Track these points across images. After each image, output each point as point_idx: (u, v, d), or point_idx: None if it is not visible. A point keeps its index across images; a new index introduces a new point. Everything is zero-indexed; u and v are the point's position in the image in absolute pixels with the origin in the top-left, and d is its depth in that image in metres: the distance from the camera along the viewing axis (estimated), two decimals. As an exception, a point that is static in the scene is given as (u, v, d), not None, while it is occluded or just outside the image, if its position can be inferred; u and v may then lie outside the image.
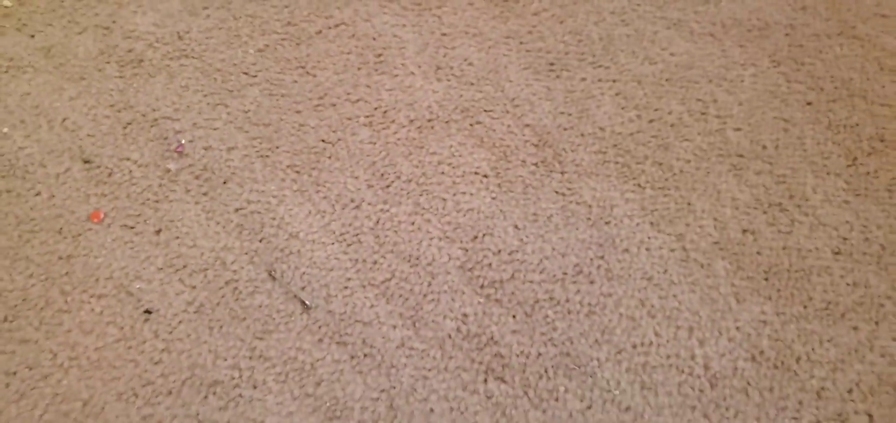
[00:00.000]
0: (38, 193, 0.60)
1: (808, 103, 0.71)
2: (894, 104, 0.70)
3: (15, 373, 0.53)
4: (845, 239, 0.62)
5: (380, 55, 0.70)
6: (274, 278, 0.57)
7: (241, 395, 0.53)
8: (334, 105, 0.67)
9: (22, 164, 0.60)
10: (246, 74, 0.67)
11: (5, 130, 0.62)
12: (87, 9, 0.69)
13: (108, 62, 0.66)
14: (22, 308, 0.55)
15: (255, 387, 0.53)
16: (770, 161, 0.68)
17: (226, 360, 0.54)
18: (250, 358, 0.54)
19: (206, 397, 0.53)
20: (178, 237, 0.59)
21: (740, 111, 0.70)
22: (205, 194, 0.61)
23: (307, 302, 0.56)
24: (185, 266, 0.58)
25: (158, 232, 0.58)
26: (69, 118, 0.63)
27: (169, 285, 0.57)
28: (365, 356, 0.55)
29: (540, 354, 0.56)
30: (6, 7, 0.68)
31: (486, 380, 0.55)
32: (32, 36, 0.67)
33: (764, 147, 0.68)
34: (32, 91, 0.64)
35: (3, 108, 0.63)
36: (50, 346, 0.54)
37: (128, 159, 0.62)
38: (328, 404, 0.53)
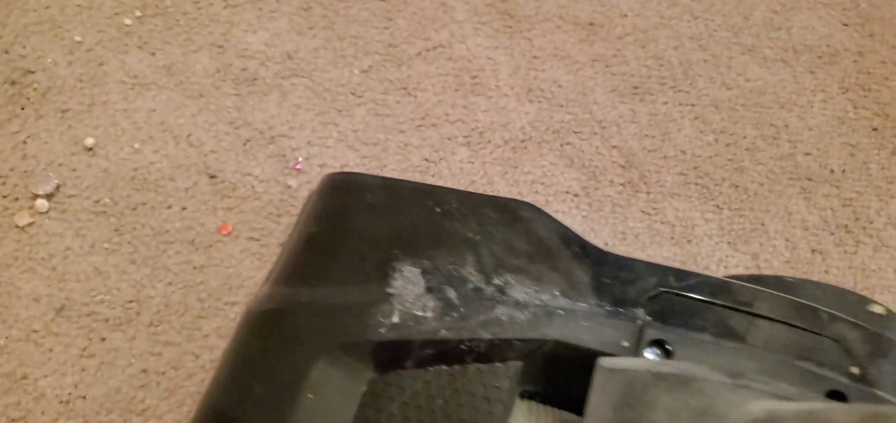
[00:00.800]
0: (169, 206, 0.65)
1: (874, 129, 0.76)
2: (954, 132, 0.75)
3: (163, 373, 0.59)
4: (911, 265, 0.68)
5: (475, 77, 0.74)
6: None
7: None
8: (434, 125, 0.71)
9: (154, 178, 0.66)
10: (353, 94, 0.72)
11: (136, 145, 0.67)
12: (202, 27, 0.73)
13: (224, 80, 0.71)
14: (165, 313, 0.61)
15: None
16: (837, 184, 0.73)
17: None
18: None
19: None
20: (300, 250, 0.64)
21: (810, 136, 0.75)
22: (321, 209, 0.66)
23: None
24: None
25: (282, 245, 0.64)
26: (193, 134, 0.68)
27: (297, 295, 0.62)
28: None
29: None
30: (127, 25, 0.72)
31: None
32: (153, 54, 0.72)
33: (831, 171, 0.73)
34: (158, 108, 0.69)
35: (133, 124, 0.68)
36: (192, 349, 0.60)
37: (250, 175, 0.67)
38: None
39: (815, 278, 0.67)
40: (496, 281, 0.44)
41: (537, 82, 0.75)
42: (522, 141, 0.72)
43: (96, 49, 0.71)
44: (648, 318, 0.42)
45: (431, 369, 0.40)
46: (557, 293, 0.43)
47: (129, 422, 0.57)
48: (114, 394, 0.58)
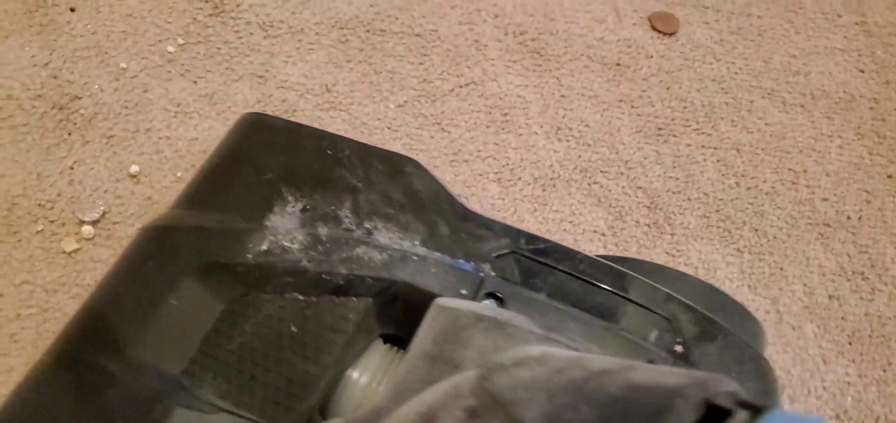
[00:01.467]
0: (212, 235, 0.67)
1: (889, 176, 0.79)
2: (965, 181, 0.77)
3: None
4: (923, 313, 0.70)
5: (506, 114, 0.77)
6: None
7: None
8: (467, 161, 0.74)
9: (197, 206, 0.68)
10: (389, 128, 0.74)
11: (179, 173, 0.69)
12: (242, 57, 0.75)
13: (264, 110, 0.73)
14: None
15: None
16: (853, 231, 0.75)
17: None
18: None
19: None
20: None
21: (827, 182, 0.78)
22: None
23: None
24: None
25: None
26: (234, 164, 0.70)
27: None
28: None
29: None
30: (170, 53, 0.74)
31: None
32: (195, 82, 0.73)
33: (848, 217, 0.76)
34: (199, 136, 0.71)
35: (175, 151, 0.70)
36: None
37: (289, 206, 0.69)
38: None
39: (833, 323, 0.70)
40: (366, 225, 0.48)
41: (565, 121, 0.78)
42: (551, 179, 0.74)
43: (140, 76, 0.73)
44: (492, 273, 0.46)
45: (289, 295, 0.44)
46: (417, 242, 0.47)
47: None
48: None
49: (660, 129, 0.78)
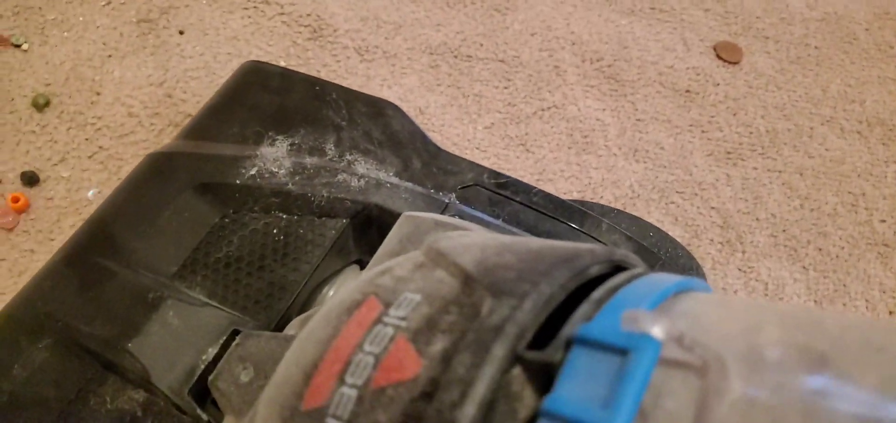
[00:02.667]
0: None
1: (941, 201, 0.84)
2: None
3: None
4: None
5: (586, 137, 0.82)
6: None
7: None
8: (551, 180, 0.79)
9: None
10: (478, 148, 0.79)
11: (288, 188, 0.74)
12: (340, 80, 0.80)
13: (363, 130, 0.78)
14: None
15: None
16: (909, 251, 0.81)
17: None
18: None
19: None
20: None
21: (885, 204, 0.83)
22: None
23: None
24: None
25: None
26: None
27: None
28: None
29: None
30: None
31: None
32: (298, 102, 0.78)
33: (904, 238, 0.81)
34: (305, 154, 0.76)
35: (283, 168, 0.75)
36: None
37: (390, 221, 0.74)
38: None
39: None
40: (347, 157, 0.53)
41: (642, 144, 0.83)
42: (631, 198, 0.79)
43: (247, 96, 0.78)
44: (456, 201, 0.52)
45: (273, 213, 0.49)
46: (392, 173, 0.53)
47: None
48: None
49: (728, 153, 0.84)
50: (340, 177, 0.52)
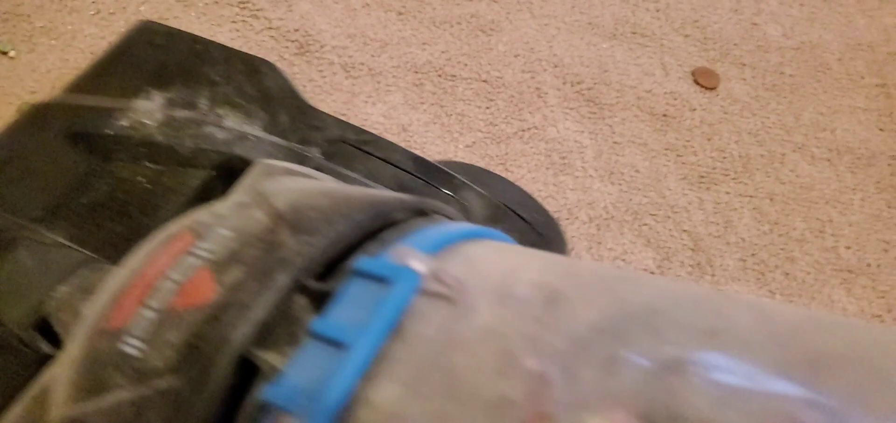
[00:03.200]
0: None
1: (905, 229, 0.87)
2: (972, 236, 0.86)
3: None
4: (936, 356, 0.79)
5: (564, 158, 0.84)
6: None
7: None
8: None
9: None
10: (459, 167, 0.81)
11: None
12: (326, 95, 0.82)
13: (346, 146, 0.80)
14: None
15: None
16: (873, 277, 0.84)
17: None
18: None
19: None
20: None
21: (850, 231, 0.86)
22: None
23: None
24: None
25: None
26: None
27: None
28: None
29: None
30: (260, 88, 0.80)
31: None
32: (284, 117, 0.80)
33: (868, 265, 0.84)
34: (289, 168, 0.77)
35: (268, 182, 0.76)
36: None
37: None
38: None
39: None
40: (218, 112, 0.55)
41: (618, 166, 0.85)
42: (605, 219, 0.81)
43: (233, 110, 0.80)
44: (319, 156, 0.54)
45: (142, 163, 0.51)
46: (259, 128, 0.55)
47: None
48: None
49: (702, 177, 0.86)
50: (207, 129, 0.53)
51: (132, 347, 0.26)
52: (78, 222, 0.47)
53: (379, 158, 0.55)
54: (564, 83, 0.89)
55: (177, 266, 0.28)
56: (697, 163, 0.87)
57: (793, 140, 0.91)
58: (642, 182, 0.85)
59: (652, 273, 0.80)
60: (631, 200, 0.83)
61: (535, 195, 0.81)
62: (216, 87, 0.57)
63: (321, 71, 0.84)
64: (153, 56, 0.59)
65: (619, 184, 0.84)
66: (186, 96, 0.56)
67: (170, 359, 0.25)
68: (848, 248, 0.85)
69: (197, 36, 0.61)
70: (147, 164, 0.51)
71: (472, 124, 0.84)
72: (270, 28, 0.85)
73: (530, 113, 0.86)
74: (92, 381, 0.27)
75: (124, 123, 0.53)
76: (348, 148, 0.55)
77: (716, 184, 0.86)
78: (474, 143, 0.83)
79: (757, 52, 0.98)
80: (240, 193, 0.36)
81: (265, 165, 0.40)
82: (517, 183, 0.81)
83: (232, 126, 0.54)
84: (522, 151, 0.84)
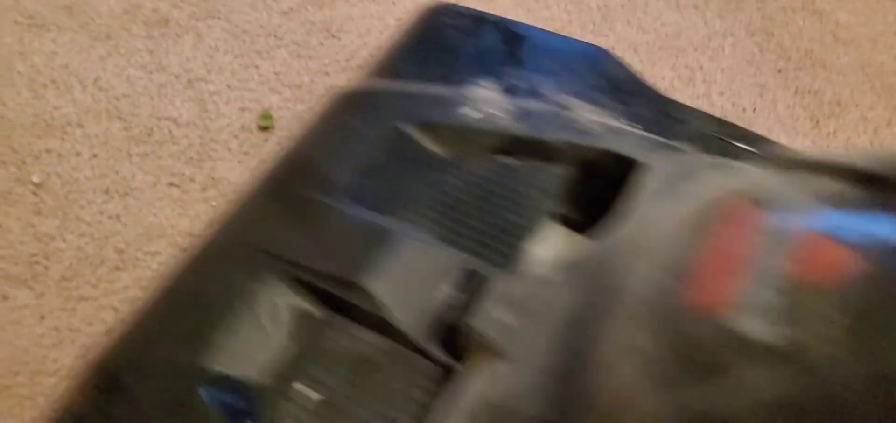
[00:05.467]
0: (78, 154, 0.60)
1: (779, 71, 0.80)
2: (848, 72, 0.80)
3: (78, 329, 0.55)
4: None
5: (400, 19, 0.73)
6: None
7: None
8: (361, 67, 0.70)
9: (59, 125, 0.61)
10: (274, 36, 0.69)
11: (37, 89, 0.62)
12: (106, -34, 0.69)
13: (133, 22, 0.67)
14: (78, 267, 0.57)
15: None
16: (749, 123, 0.76)
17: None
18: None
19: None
20: (224, 194, 0.61)
21: (723, 77, 0.79)
22: (246, 154, 0.63)
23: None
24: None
25: (205, 190, 0.61)
26: (101, 78, 0.63)
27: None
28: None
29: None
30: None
31: None
32: (51, -7, 0.66)
33: (744, 110, 0.77)
34: (59, 50, 0.64)
35: (31, 67, 0.63)
36: (110, 303, 0.56)
37: (166, 119, 0.63)
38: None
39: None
40: (568, 102, 0.49)
41: None
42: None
43: (-15, -12, 0.66)
44: (697, 152, 0.47)
45: (497, 156, 0.46)
46: (622, 120, 0.49)
47: (39, 383, 0.53)
48: (21, 355, 0.53)
49: (558, 32, 0.77)
50: (566, 121, 0.47)
51: (753, 324, 0.23)
52: (440, 219, 0.43)
53: (756, 154, 0.47)
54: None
55: (768, 238, 0.25)
56: (551, 18, 0.78)
57: (654, -11, 0.83)
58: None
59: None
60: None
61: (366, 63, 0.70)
62: (556, 75, 0.51)
63: (99, -60, 0.70)
64: (472, 42, 0.53)
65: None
66: (526, 85, 0.50)
67: (828, 336, 0.22)
68: (721, 94, 0.78)
69: (511, 20, 0.56)
70: (503, 157, 0.46)
71: (288, -10, 0.72)
72: None
73: (357, -27, 0.75)
74: (688, 364, 0.24)
75: (471, 112, 0.47)
76: (724, 143, 0.49)
77: (575, 36, 0.77)
78: (292, 9, 0.71)
79: None
80: (675, 184, 0.34)
81: (678, 160, 0.37)
82: (346, 49, 0.70)
83: (592, 118, 0.48)
84: (349, 15, 0.72)
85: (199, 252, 0.41)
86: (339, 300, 0.38)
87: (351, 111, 0.49)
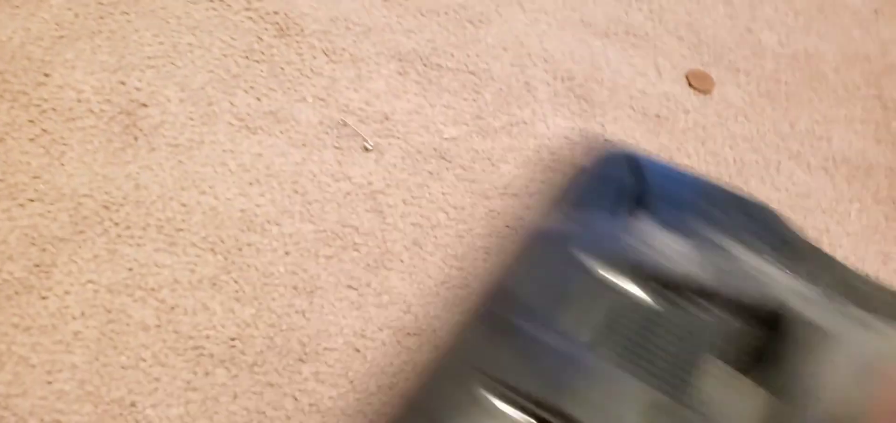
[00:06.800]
0: (274, 250, 0.69)
1: (903, 242, 0.84)
2: (971, 251, 0.83)
3: (263, 413, 0.62)
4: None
5: (553, 154, 0.80)
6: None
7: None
8: (516, 195, 0.77)
9: (260, 221, 0.69)
10: (443, 158, 0.77)
11: (244, 186, 0.71)
12: (305, 79, 0.78)
13: (327, 133, 0.75)
14: (267, 354, 0.64)
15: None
16: (871, 290, 0.80)
17: None
18: None
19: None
20: (394, 302, 0.69)
21: (848, 241, 0.83)
22: (415, 267, 0.71)
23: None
24: (402, 327, 0.68)
25: (380, 296, 0.68)
26: (298, 182, 0.72)
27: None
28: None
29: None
30: (235, 68, 0.76)
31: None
32: (259, 99, 0.76)
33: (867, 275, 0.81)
34: (264, 152, 0.73)
35: (240, 165, 0.72)
36: (292, 391, 0.63)
37: (349, 227, 0.71)
38: None
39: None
40: (747, 257, 0.54)
41: (609, 166, 0.81)
42: (595, 220, 0.77)
43: (206, 89, 0.75)
44: (868, 317, 0.52)
45: (677, 296, 0.51)
46: (799, 279, 0.53)
47: (229, 455, 0.60)
48: (218, 427, 0.61)
49: (696, 180, 0.83)
50: (747, 270, 0.52)
51: None
52: (627, 347, 0.48)
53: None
54: (555, 79, 0.86)
55: None
56: (691, 165, 0.84)
57: (788, 148, 0.88)
58: (634, 183, 0.81)
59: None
60: (622, 200, 0.80)
61: (524, 192, 0.77)
62: (737, 232, 0.56)
63: (301, 54, 0.80)
64: (636, 185, 0.59)
65: (611, 184, 0.80)
66: (703, 234, 0.55)
67: None
68: (845, 259, 0.82)
69: (677, 167, 0.63)
70: (672, 293, 0.51)
71: (458, 116, 0.80)
72: (249, 8, 0.81)
73: (519, 107, 0.83)
74: None
75: (651, 254, 0.52)
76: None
77: (710, 188, 0.83)
78: (459, 136, 0.79)
79: (752, 57, 0.96)
80: None
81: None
82: (505, 177, 0.77)
83: (771, 273, 0.53)
84: (510, 146, 0.80)
85: (430, 368, 0.49)
86: (543, 420, 0.45)
87: (542, 249, 0.56)
